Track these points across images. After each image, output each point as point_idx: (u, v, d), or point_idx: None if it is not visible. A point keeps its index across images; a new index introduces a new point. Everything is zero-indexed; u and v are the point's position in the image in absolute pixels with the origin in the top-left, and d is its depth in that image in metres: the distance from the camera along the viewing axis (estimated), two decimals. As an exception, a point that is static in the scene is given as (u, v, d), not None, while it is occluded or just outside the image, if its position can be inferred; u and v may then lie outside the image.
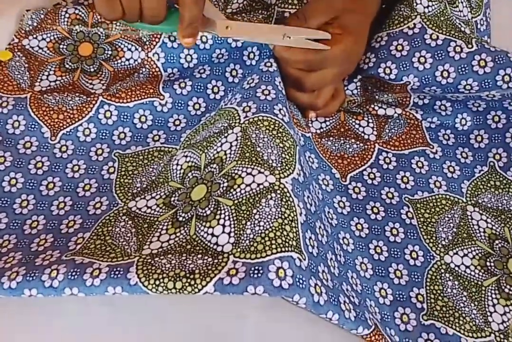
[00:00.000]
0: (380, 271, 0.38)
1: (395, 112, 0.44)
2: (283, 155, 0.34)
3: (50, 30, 0.44)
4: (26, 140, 0.39)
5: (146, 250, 0.32)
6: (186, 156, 0.37)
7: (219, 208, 0.33)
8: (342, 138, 0.43)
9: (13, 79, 0.42)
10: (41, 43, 0.44)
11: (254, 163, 0.33)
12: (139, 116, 0.41)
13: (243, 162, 0.34)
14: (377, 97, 0.45)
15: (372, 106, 0.45)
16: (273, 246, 0.30)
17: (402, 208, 0.40)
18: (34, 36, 0.44)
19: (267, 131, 0.35)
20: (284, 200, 0.32)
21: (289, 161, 0.34)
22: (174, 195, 0.36)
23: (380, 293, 0.37)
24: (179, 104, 0.41)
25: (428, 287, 0.37)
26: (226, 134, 0.36)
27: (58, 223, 0.36)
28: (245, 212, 0.32)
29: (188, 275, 0.29)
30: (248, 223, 0.31)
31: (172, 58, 0.43)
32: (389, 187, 0.41)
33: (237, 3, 0.47)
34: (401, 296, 0.37)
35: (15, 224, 0.36)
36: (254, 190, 0.32)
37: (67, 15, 0.44)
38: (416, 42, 0.42)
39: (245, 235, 0.31)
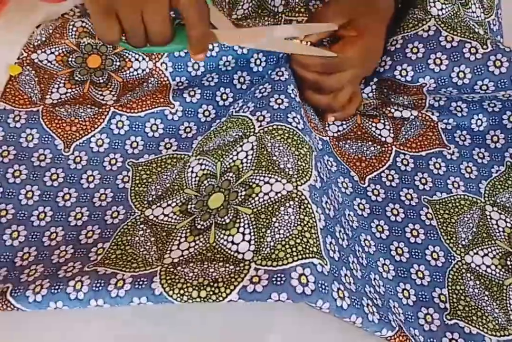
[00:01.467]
0: (402, 272, 0.37)
1: (411, 114, 0.44)
2: (299, 163, 0.34)
3: (58, 44, 0.44)
4: (40, 153, 0.39)
5: (167, 259, 0.32)
6: (201, 164, 0.37)
7: (238, 217, 0.33)
8: (359, 141, 0.43)
9: (24, 93, 0.42)
10: (49, 56, 0.44)
11: (271, 172, 0.34)
12: (150, 125, 0.41)
13: (260, 171, 0.34)
14: (392, 99, 0.45)
15: (389, 108, 0.44)
16: (294, 253, 0.30)
17: (422, 209, 0.40)
18: (43, 50, 0.44)
19: (282, 139, 0.35)
20: (302, 207, 0.32)
21: (305, 168, 0.34)
22: (190, 203, 0.36)
23: (403, 294, 0.36)
24: (189, 112, 0.41)
25: (450, 287, 0.37)
26: (241, 143, 0.36)
27: (77, 234, 0.36)
28: (264, 220, 0.32)
29: (211, 283, 0.29)
30: (268, 231, 0.31)
31: (179, 66, 0.43)
32: (407, 188, 0.41)
33: (242, 10, 0.47)
34: (424, 296, 0.37)
35: (34, 237, 0.36)
36: (272, 199, 0.33)
37: (74, 28, 0.44)
38: (431, 44, 0.42)
39: (266, 243, 0.31)
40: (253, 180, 0.34)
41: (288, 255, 0.30)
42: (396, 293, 0.36)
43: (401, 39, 0.43)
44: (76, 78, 0.43)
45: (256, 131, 0.37)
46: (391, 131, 0.44)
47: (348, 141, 0.43)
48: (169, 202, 0.36)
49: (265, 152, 0.35)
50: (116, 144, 0.40)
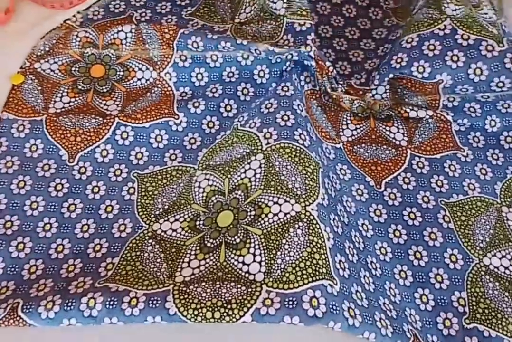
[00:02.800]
0: (420, 277, 0.36)
1: (426, 114, 0.43)
2: (307, 182, 0.35)
3: (61, 54, 0.43)
4: (45, 163, 0.39)
5: (179, 277, 0.32)
6: (208, 180, 0.37)
7: (248, 237, 0.33)
8: (374, 145, 0.42)
9: (27, 102, 0.41)
10: (52, 66, 0.43)
11: (279, 192, 0.34)
12: (155, 136, 0.40)
13: (269, 191, 0.34)
14: (406, 100, 0.44)
15: (404, 108, 0.43)
16: (305, 276, 0.30)
17: (439, 212, 0.39)
18: (46, 59, 0.43)
19: (289, 158, 0.36)
20: (311, 228, 0.32)
21: (313, 187, 0.35)
22: (198, 219, 0.35)
23: (421, 300, 0.35)
24: (194, 123, 0.40)
25: (469, 290, 0.36)
26: (249, 160, 0.36)
27: (85, 247, 0.35)
28: (274, 242, 0.32)
29: (225, 305, 0.30)
30: (279, 253, 0.32)
31: (183, 77, 0.42)
32: (424, 191, 0.40)
33: (244, 13, 0.46)
34: (442, 300, 0.36)
35: (41, 248, 0.35)
36: (282, 220, 0.33)
37: (78, 39, 0.43)
38: (448, 42, 0.42)
39: (276, 265, 0.31)
40: (262, 200, 0.34)
41: (298, 278, 0.30)
42: (413, 299, 0.35)
43: (417, 37, 0.42)
44: (80, 87, 0.42)
45: (263, 149, 0.36)
46: (405, 135, 0.43)
47: (363, 145, 0.42)
48: (177, 217, 0.36)
49: (273, 171, 0.35)
50: (121, 155, 0.39)
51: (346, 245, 0.34)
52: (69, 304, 0.31)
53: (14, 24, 0.46)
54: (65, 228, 0.36)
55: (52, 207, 0.37)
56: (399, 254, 0.37)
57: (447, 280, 0.37)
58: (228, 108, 0.41)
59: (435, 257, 0.37)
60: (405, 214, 0.39)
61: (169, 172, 0.38)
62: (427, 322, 0.35)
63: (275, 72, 0.42)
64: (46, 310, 0.31)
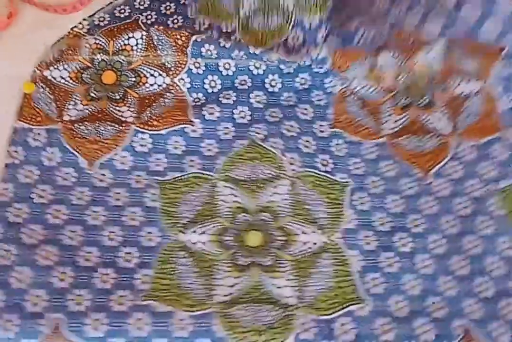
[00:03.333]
0: (477, 266, 0.37)
1: (474, 88, 0.43)
2: (330, 210, 0.38)
3: (71, 60, 0.43)
4: (64, 172, 0.38)
5: (217, 297, 0.34)
6: (234, 195, 0.38)
7: (279, 261, 0.36)
8: (416, 135, 0.42)
9: (41, 110, 0.40)
10: (63, 73, 0.42)
11: (306, 222, 0.38)
12: (172, 142, 0.40)
13: (296, 219, 0.38)
14: (461, 66, 0.43)
15: (451, 81, 0.43)
16: (334, 305, 0.34)
17: (489, 199, 0.39)
18: (55, 67, 0.42)
19: (313, 187, 0.39)
20: (337, 258, 0.36)
21: (337, 213, 0.38)
22: (226, 234, 0.37)
23: (481, 288, 0.36)
24: (209, 130, 0.41)
25: None
26: (275, 185, 0.39)
27: (114, 256, 0.36)
28: (305, 270, 0.36)
29: (268, 329, 0.33)
30: (309, 281, 0.35)
31: (197, 83, 0.43)
32: (472, 179, 0.40)
33: (248, 3, 0.46)
34: (503, 288, 0.36)
35: (68, 257, 0.35)
36: (310, 249, 0.37)
37: (87, 45, 0.43)
38: None
39: (307, 292, 0.35)
40: (291, 227, 0.37)
41: (328, 306, 0.34)
42: (472, 288, 0.36)
43: None
44: (92, 94, 0.42)
45: (289, 175, 0.39)
46: (448, 122, 0.43)
47: (405, 137, 0.42)
48: (203, 229, 0.37)
49: (299, 199, 0.38)
50: (140, 161, 0.39)
51: (382, 256, 0.37)
52: (116, 324, 0.32)
53: (17, 31, 0.45)
54: (91, 236, 0.36)
55: (76, 215, 0.37)
56: (454, 245, 0.38)
57: (502, 268, 0.37)
58: (242, 114, 0.42)
59: (489, 246, 0.37)
60: (456, 204, 0.39)
61: (189, 179, 0.39)
62: (489, 310, 0.35)
63: (288, 82, 0.43)
64: (94, 329, 0.32)
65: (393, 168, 0.41)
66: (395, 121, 0.43)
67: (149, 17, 0.46)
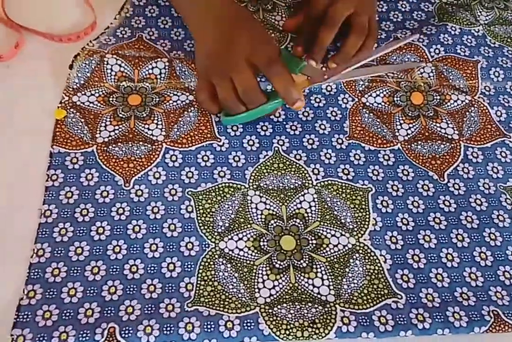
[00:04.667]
0: (499, 256, 0.40)
1: (466, 99, 0.47)
2: (356, 215, 0.40)
3: (97, 86, 0.45)
4: (102, 190, 0.40)
5: (260, 298, 0.36)
6: (265, 203, 0.40)
7: (314, 263, 0.38)
8: (429, 141, 0.45)
9: (74, 135, 0.42)
10: (90, 98, 0.44)
11: (335, 226, 0.40)
12: (201, 156, 0.42)
13: (325, 224, 0.40)
14: (451, 81, 0.48)
15: (446, 90, 0.47)
16: (370, 300, 0.36)
17: (501, 196, 0.43)
18: (83, 92, 0.44)
19: (337, 194, 0.41)
20: (367, 257, 0.38)
21: (363, 217, 0.40)
22: (262, 240, 0.39)
23: (504, 276, 0.39)
24: (235, 143, 0.43)
25: None
26: (302, 193, 0.41)
27: (159, 267, 0.37)
28: (339, 270, 0.37)
29: (311, 325, 0.35)
30: (344, 280, 0.37)
31: None
32: (483, 178, 0.44)
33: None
34: None
35: (115, 270, 0.36)
36: (341, 251, 0.39)
37: (113, 73, 0.45)
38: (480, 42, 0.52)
39: (343, 290, 0.37)
40: (321, 231, 0.39)
41: (365, 302, 0.36)
42: (497, 277, 0.39)
43: (459, 29, 0.52)
44: (120, 115, 0.43)
45: (314, 184, 0.42)
46: (455, 129, 0.46)
47: (419, 142, 0.45)
48: (240, 235, 0.39)
49: (326, 206, 0.41)
50: (173, 175, 0.41)
51: (410, 253, 0.39)
52: (168, 328, 0.34)
53: (30, 60, 0.46)
54: (134, 249, 0.37)
55: (118, 230, 0.38)
56: (476, 237, 0.41)
57: None
58: (264, 128, 0.44)
59: (508, 236, 0.41)
60: (472, 201, 0.42)
61: (221, 189, 0.41)
62: None
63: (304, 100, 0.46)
64: (146, 335, 0.33)
65: (410, 172, 0.44)
66: (408, 129, 0.46)
67: (151, 33, 0.49)
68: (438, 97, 0.48)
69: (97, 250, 0.37)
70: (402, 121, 0.46)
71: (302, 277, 0.37)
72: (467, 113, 0.47)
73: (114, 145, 0.42)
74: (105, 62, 0.45)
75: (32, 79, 0.45)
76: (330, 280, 0.37)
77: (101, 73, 0.45)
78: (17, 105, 0.44)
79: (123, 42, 0.48)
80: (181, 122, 0.44)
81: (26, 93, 0.45)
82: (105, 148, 0.41)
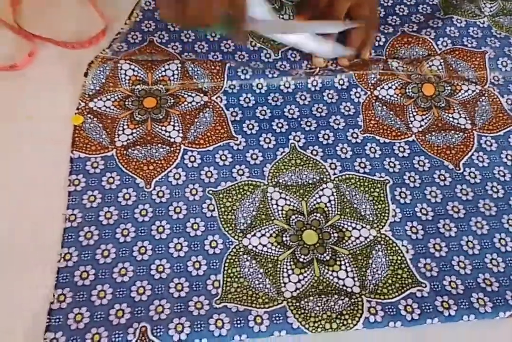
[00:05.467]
0: None
1: (476, 88, 0.47)
2: (375, 207, 0.40)
3: (113, 91, 0.44)
4: (124, 192, 0.39)
5: (286, 292, 0.36)
6: (285, 199, 0.40)
7: (337, 256, 0.37)
8: (443, 131, 0.45)
9: (94, 139, 0.42)
10: (106, 103, 0.44)
11: (355, 218, 0.39)
12: (219, 155, 0.42)
13: (346, 217, 0.39)
14: (460, 72, 0.48)
15: (456, 81, 0.47)
16: (394, 290, 0.36)
17: None
18: (99, 98, 0.44)
19: (355, 188, 0.41)
20: (389, 248, 0.38)
21: (382, 209, 0.40)
22: (284, 235, 0.38)
23: None
24: (252, 142, 0.43)
25: None
26: (321, 188, 0.41)
27: (184, 265, 0.36)
28: (362, 261, 0.37)
29: (339, 316, 0.34)
30: (368, 271, 0.37)
31: (232, 100, 0.45)
32: (498, 166, 0.43)
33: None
34: None
35: (142, 271, 0.36)
36: (363, 243, 0.38)
37: (127, 77, 0.45)
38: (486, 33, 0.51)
39: (368, 281, 0.36)
40: (342, 225, 0.39)
41: (390, 291, 0.36)
42: None
43: (465, 21, 0.52)
44: (137, 118, 0.43)
45: (332, 178, 0.41)
46: (467, 119, 0.46)
47: (433, 133, 0.45)
48: (262, 231, 0.38)
49: (345, 199, 0.40)
50: (192, 175, 0.41)
51: (431, 242, 0.39)
52: (199, 325, 0.33)
53: (44, 68, 0.46)
54: (160, 249, 0.37)
55: (143, 231, 0.38)
56: (495, 224, 0.40)
57: None
58: (280, 125, 0.44)
59: None
60: (488, 189, 0.42)
61: (241, 187, 0.40)
62: None
63: (316, 96, 0.46)
64: (178, 333, 0.33)
65: (426, 163, 0.43)
66: (421, 120, 0.46)
67: (161, 36, 0.49)
68: (449, 88, 0.47)
69: (124, 252, 0.37)
70: (415, 113, 0.46)
71: (326, 270, 0.37)
72: (478, 102, 0.47)
73: (133, 148, 0.42)
74: (119, 68, 0.45)
75: (48, 86, 0.45)
76: (354, 271, 0.37)
77: (115, 78, 0.45)
78: (34, 113, 0.44)
79: (135, 47, 0.47)
80: (197, 123, 0.43)
81: (43, 101, 0.45)
82: (124, 152, 0.41)
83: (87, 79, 0.44)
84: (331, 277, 0.36)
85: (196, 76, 0.45)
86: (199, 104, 0.44)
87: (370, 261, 0.37)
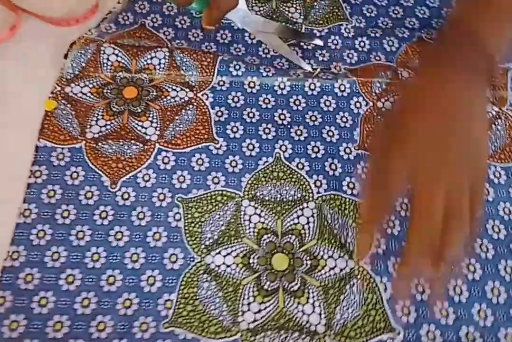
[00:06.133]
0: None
1: (493, 110, 0.41)
2: (358, 235, 0.35)
3: (92, 77, 0.40)
4: (87, 190, 0.36)
5: (243, 323, 0.32)
6: (260, 215, 0.35)
7: (306, 286, 0.33)
8: None
9: (63, 128, 0.38)
10: (84, 89, 0.40)
11: (333, 246, 0.35)
12: (196, 159, 0.38)
13: (323, 243, 0.35)
14: None
15: None
16: (363, 334, 0.31)
17: None
18: (76, 83, 0.40)
19: (339, 211, 0.36)
20: (365, 283, 0.33)
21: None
22: (252, 256, 0.34)
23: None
24: (233, 147, 0.38)
25: None
26: (301, 207, 0.36)
27: (137, 279, 0.33)
28: (332, 296, 0.33)
29: None
30: (337, 308, 0.32)
31: (220, 98, 0.40)
32: (504, 202, 0.38)
33: (253, 11, 0.46)
34: None
35: (91, 280, 0.33)
36: (338, 275, 0.34)
37: (109, 63, 0.41)
38: None
39: (336, 320, 0.32)
40: (318, 251, 0.34)
41: (358, 335, 0.32)
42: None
43: None
44: (114, 108, 0.39)
45: (314, 197, 0.36)
46: None
47: None
48: (229, 250, 0.34)
49: (326, 223, 0.35)
50: (163, 178, 0.37)
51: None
52: None
53: (24, 45, 0.42)
54: (114, 258, 0.34)
55: (99, 236, 0.34)
56: (489, 270, 0.35)
57: None
58: (267, 131, 0.39)
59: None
60: (489, 228, 0.36)
61: (214, 197, 0.36)
62: None
63: (312, 102, 0.41)
64: None
65: None
66: None
67: (154, 20, 0.44)
68: None
69: (75, 257, 0.33)
70: None
71: (292, 302, 0.33)
72: (493, 126, 0.41)
73: (104, 142, 0.38)
74: (102, 52, 0.41)
75: (25, 66, 0.41)
76: (323, 307, 0.32)
77: (96, 63, 0.41)
78: (7, 93, 0.40)
79: (124, 29, 0.43)
80: (178, 121, 0.39)
81: (18, 80, 0.41)
82: (94, 145, 0.37)
83: (66, 61, 0.40)
84: (295, 311, 0.32)
85: (184, 67, 0.41)
86: (182, 100, 0.40)
87: (342, 297, 0.33)
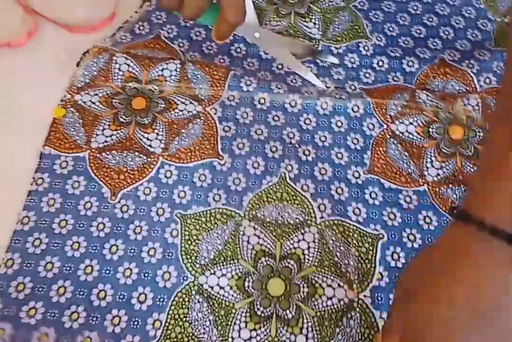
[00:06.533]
0: None
1: None
2: (359, 265, 0.33)
3: (103, 86, 0.40)
4: (86, 201, 0.35)
5: None
6: (258, 237, 0.34)
7: (301, 316, 0.31)
8: (462, 186, 0.37)
9: (69, 136, 0.38)
10: (93, 98, 0.39)
11: (333, 274, 0.33)
12: (198, 175, 0.37)
13: (323, 270, 0.33)
14: None
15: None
16: None
17: None
18: (86, 91, 0.40)
19: (342, 238, 0.34)
20: (363, 318, 0.31)
21: (367, 269, 0.33)
22: (247, 279, 0.33)
23: None
24: (238, 164, 0.37)
25: None
26: (302, 231, 0.34)
27: (128, 296, 0.32)
28: (328, 328, 0.31)
29: None
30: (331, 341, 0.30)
31: (228, 113, 0.39)
32: None
33: (270, 26, 0.45)
34: None
35: (82, 293, 0.32)
36: (335, 305, 0.32)
37: (120, 73, 0.40)
38: None
39: None
40: (316, 279, 0.33)
41: None
42: None
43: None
44: (121, 119, 0.39)
45: (317, 222, 0.35)
46: None
47: (451, 186, 0.37)
48: (224, 271, 0.33)
49: (327, 250, 0.34)
50: (164, 193, 0.36)
51: None
52: None
53: (40, 53, 0.42)
54: (107, 272, 0.33)
55: (94, 248, 0.34)
56: None
57: None
58: (274, 149, 0.38)
59: None
60: None
61: (213, 215, 0.35)
62: None
63: (323, 122, 0.39)
64: None
65: (433, 220, 0.36)
66: (439, 168, 0.38)
67: (170, 31, 0.43)
68: (481, 134, 0.39)
69: (68, 269, 0.33)
70: (434, 158, 0.38)
71: (284, 331, 0.31)
72: None
73: (107, 153, 0.37)
74: (114, 61, 0.40)
75: (37, 71, 0.41)
76: (316, 339, 0.31)
77: (108, 72, 0.40)
78: (18, 99, 0.40)
79: (139, 40, 0.43)
80: (184, 134, 0.38)
81: (29, 86, 0.41)
82: (97, 155, 0.37)
83: (78, 69, 0.40)
84: (287, 341, 0.31)
85: (194, 80, 0.40)
86: (190, 113, 0.39)
87: (338, 330, 0.31)
